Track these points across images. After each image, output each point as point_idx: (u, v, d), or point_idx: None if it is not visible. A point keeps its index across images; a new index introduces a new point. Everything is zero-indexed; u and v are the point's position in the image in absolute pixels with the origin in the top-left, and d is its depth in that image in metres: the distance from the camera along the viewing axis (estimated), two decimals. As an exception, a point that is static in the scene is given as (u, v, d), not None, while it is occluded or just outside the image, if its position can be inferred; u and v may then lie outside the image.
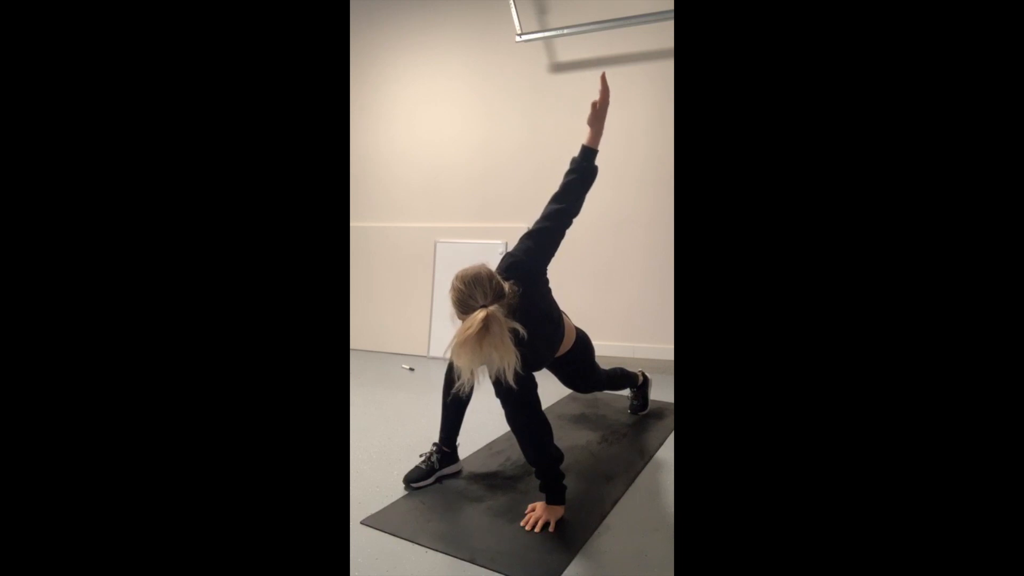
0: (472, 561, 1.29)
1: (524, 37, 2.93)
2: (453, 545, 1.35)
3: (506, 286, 1.35)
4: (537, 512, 1.44)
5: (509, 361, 1.27)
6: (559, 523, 1.42)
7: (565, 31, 2.85)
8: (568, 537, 1.38)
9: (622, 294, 2.90)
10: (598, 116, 1.57)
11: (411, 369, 2.97)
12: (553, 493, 1.44)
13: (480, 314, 1.25)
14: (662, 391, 2.43)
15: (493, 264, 1.47)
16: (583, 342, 1.79)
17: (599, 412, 2.27)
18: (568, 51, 2.95)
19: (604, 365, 1.98)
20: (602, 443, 1.96)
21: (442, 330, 3.15)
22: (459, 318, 1.33)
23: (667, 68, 2.74)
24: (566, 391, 2.40)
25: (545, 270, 1.55)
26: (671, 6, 2.58)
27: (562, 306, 1.68)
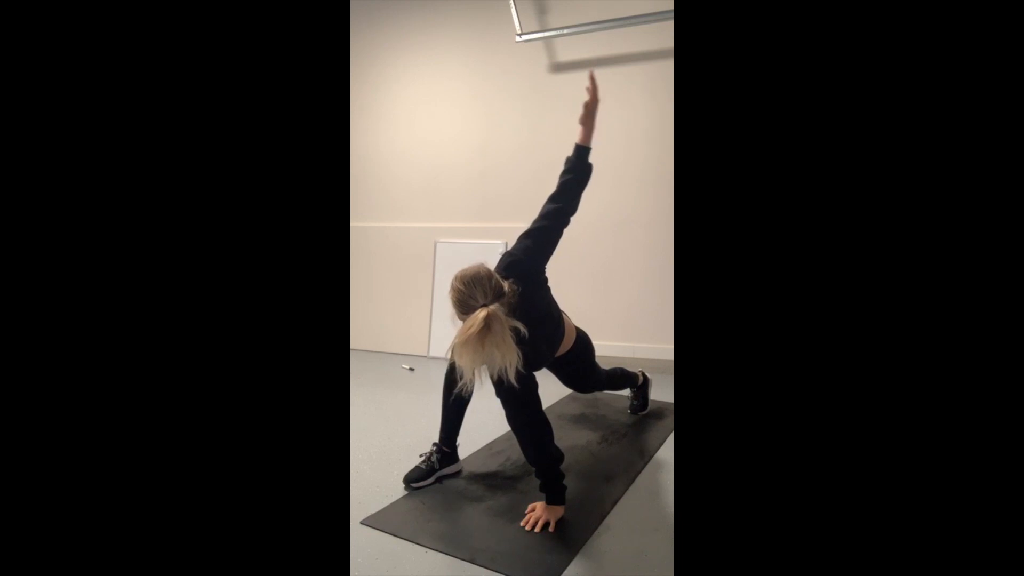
0: (472, 561, 1.29)
1: (524, 37, 2.93)
2: (453, 545, 1.35)
3: (505, 285, 1.35)
4: (537, 512, 1.44)
5: (511, 360, 1.27)
6: (559, 523, 1.42)
7: (565, 31, 2.85)
8: (568, 537, 1.38)
9: (622, 294, 2.90)
10: (589, 114, 1.58)
11: (411, 369, 2.97)
12: (553, 493, 1.44)
13: (481, 313, 1.25)
14: (662, 391, 2.43)
15: (492, 264, 1.47)
16: (583, 342, 1.79)
17: (599, 412, 2.27)
18: (568, 51, 2.95)
19: (604, 365, 1.98)
20: (602, 443, 1.96)
21: (442, 330, 3.15)
22: (460, 319, 1.33)
23: (667, 68, 2.74)
24: (566, 391, 2.40)
25: (544, 269, 1.55)
26: (671, 6, 2.58)
27: (562, 306, 1.68)
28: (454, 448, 1.71)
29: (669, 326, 2.74)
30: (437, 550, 1.33)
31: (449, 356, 1.30)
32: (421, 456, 1.70)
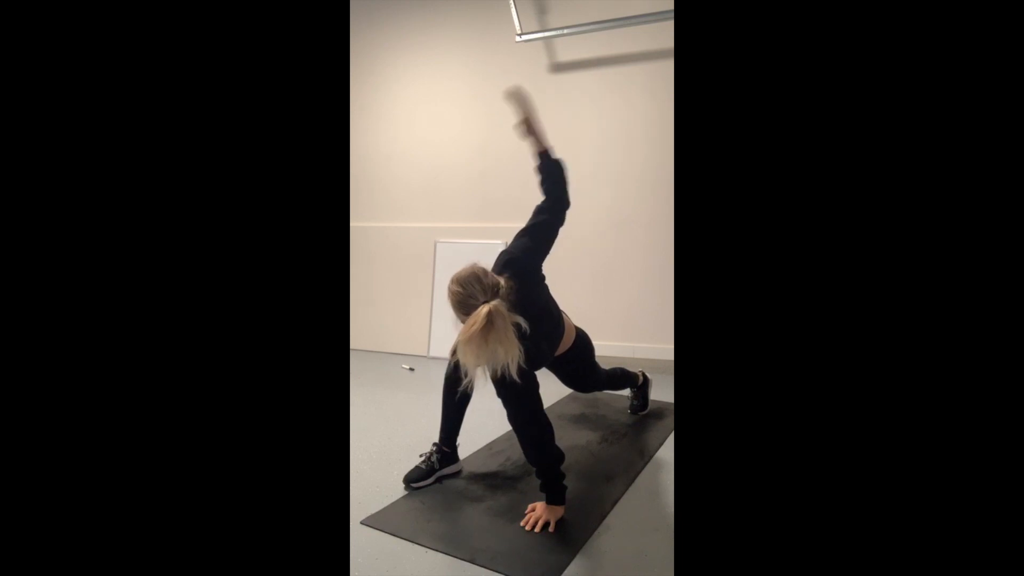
0: (472, 561, 1.29)
1: (524, 37, 2.92)
2: (453, 545, 1.35)
3: (501, 280, 1.35)
4: (537, 512, 1.44)
5: (513, 355, 1.27)
6: (559, 523, 1.42)
7: (565, 31, 2.85)
8: (568, 537, 1.38)
9: (622, 294, 2.90)
10: (529, 128, 1.58)
11: (411, 369, 2.97)
12: (553, 493, 1.44)
13: (484, 309, 1.25)
14: (662, 391, 2.43)
15: (489, 264, 1.47)
16: (583, 341, 1.79)
17: (599, 412, 2.27)
18: (568, 51, 2.95)
19: (604, 365, 1.98)
20: (602, 443, 1.96)
21: (442, 330, 3.15)
22: (461, 320, 1.33)
23: (667, 68, 2.74)
24: (566, 391, 2.40)
25: (541, 266, 1.55)
26: (671, 6, 2.58)
27: (562, 306, 1.69)
28: (454, 448, 1.71)
29: (669, 326, 2.74)
30: (437, 550, 1.33)
31: (451, 356, 1.30)
32: (421, 456, 1.70)
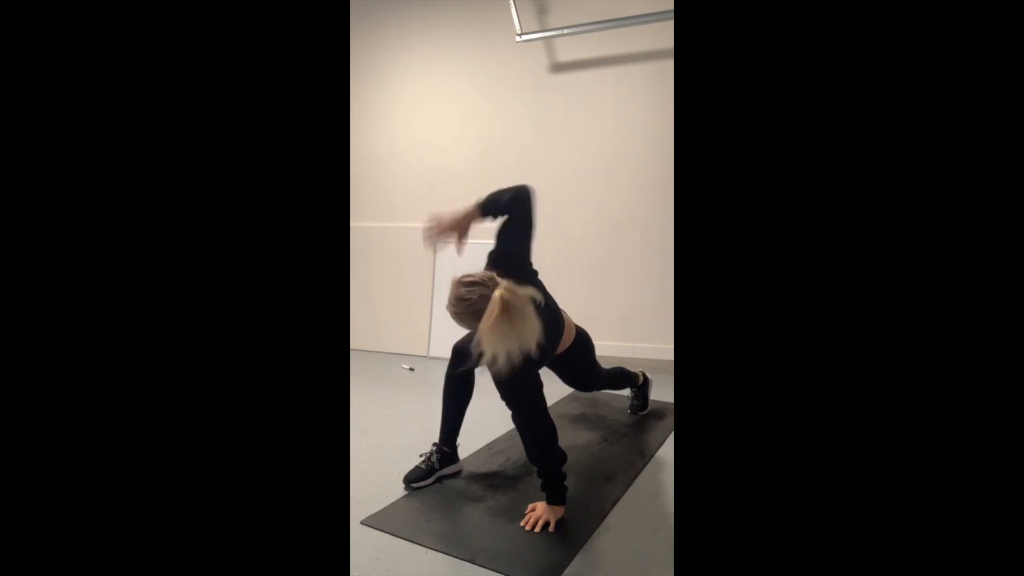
0: (472, 561, 1.29)
1: (524, 37, 2.92)
2: (453, 545, 1.35)
3: (489, 273, 1.35)
4: (537, 512, 1.44)
5: (534, 330, 1.27)
6: (559, 523, 1.42)
7: (565, 31, 2.85)
8: (568, 537, 1.38)
9: (622, 294, 2.90)
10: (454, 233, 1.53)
11: (411, 369, 2.97)
12: (554, 493, 1.44)
13: (496, 294, 1.25)
14: (662, 391, 2.43)
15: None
16: (583, 339, 1.79)
17: (599, 412, 2.27)
18: (568, 51, 2.95)
19: (604, 365, 1.98)
20: (602, 443, 1.96)
21: (442, 330, 3.15)
22: (476, 325, 1.32)
23: (667, 68, 2.74)
24: (566, 391, 2.40)
25: (530, 258, 1.55)
26: (671, 6, 2.58)
27: (561, 305, 1.68)
28: (454, 448, 1.71)
29: (669, 326, 2.74)
30: (437, 550, 1.33)
31: (478, 349, 1.29)
32: (421, 456, 1.70)
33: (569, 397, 2.44)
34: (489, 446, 1.94)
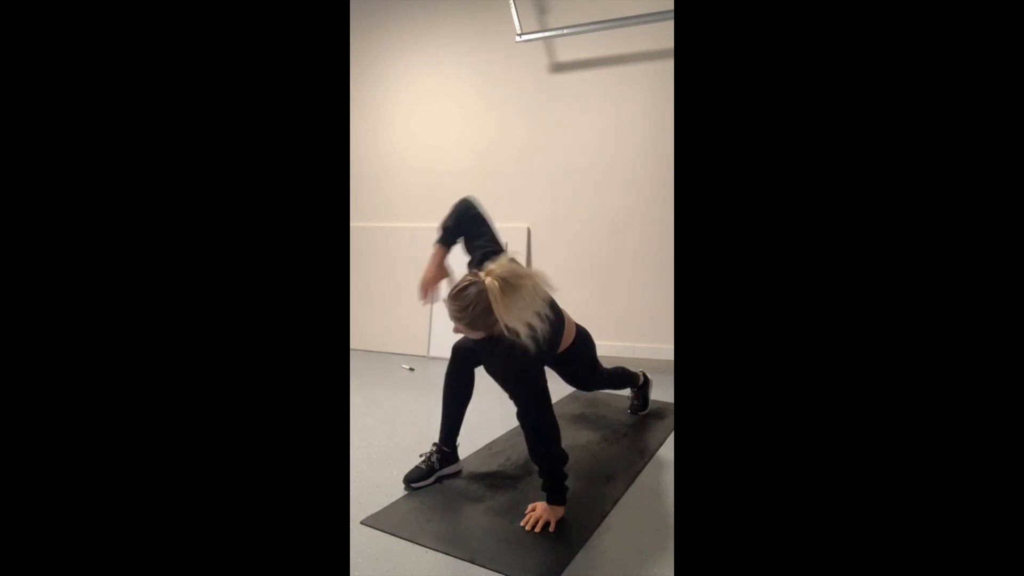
0: (472, 561, 1.29)
1: (524, 37, 2.92)
2: (453, 545, 1.35)
3: (469, 275, 1.35)
4: (537, 512, 1.44)
5: (536, 284, 1.31)
6: (559, 523, 1.42)
7: (565, 31, 2.85)
8: (568, 537, 1.38)
9: (622, 294, 2.90)
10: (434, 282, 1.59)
11: (411, 369, 2.97)
12: (555, 493, 1.44)
13: (487, 281, 1.28)
14: (662, 391, 2.43)
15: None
16: (584, 337, 1.79)
17: (599, 412, 2.27)
18: (568, 51, 2.95)
19: (605, 365, 1.98)
20: (602, 443, 1.96)
21: (442, 330, 3.15)
22: (489, 323, 1.32)
23: (667, 68, 2.74)
24: (566, 391, 2.40)
25: (498, 242, 1.57)
26: (671, 6, 2.58)
27: (561, 305, 1.68)
28: (454, 448, 1.71)
29: (669, 326, 2.74)
30: (437, 550, 1.33)
31: (505, 328, 1.31)
32: (421, 456, 1.70)
33: (569, 397, 2.44)
34: (489, 446, 1.94)
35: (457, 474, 1.72)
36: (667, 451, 1.89)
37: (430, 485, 1.66)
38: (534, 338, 1.31)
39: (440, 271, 1.59)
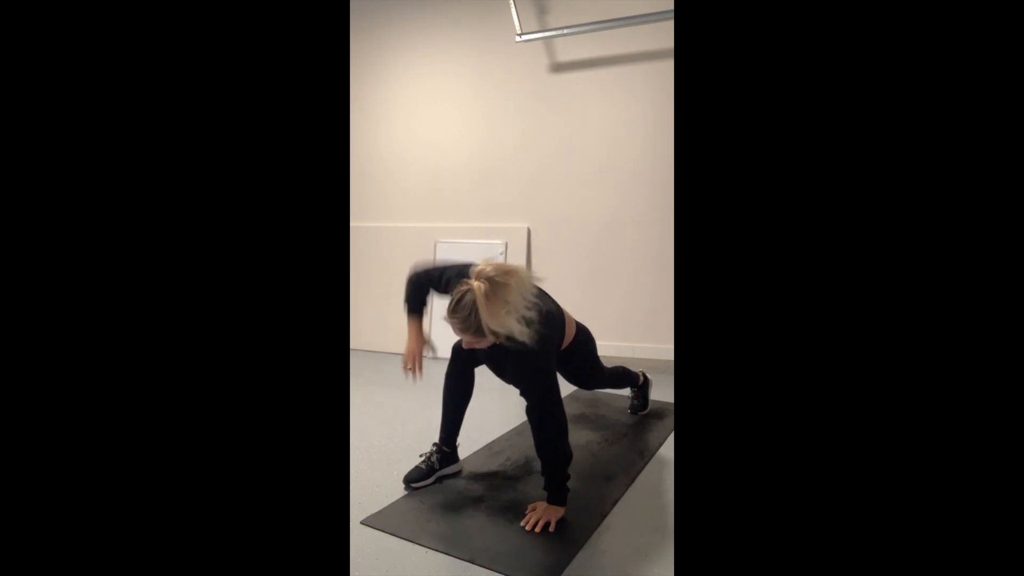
0: (472, 561, 1.29)
1: (524, 37, 2.92)
2: (453, 545, 1.35)
3: (461, 288, 1.35)
4: (538, 512, 1.44)
5: (521, 278, 1.31)
6: (559, 523, 1.42)
7: (565, 31, 2.85)
8: (568, 537, 1.38)
9: (621, 294, 2.90)
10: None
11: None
12: (557, 492, 1.44)
13: (475, 286, 1.28)
14: (662, 391, 2.43)
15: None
16: (585, 335, 1.79)
17: (599, 412, 2.27)
18: (568, 51, 2.95)
19: (605, 364, 1.98)
20: (602, 443, 1.96)
21: (442, 331, 3.14)
22: (491, 326, 1.32)
23: (667, 68, 2.74)
24: (567, 390, 2.40)
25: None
26: (671, 6, 2.58)
27: (561, 305, 1.68)
28: (454, 448, 1.71)
29: (669, 326, 2.74)
30: (437, 550, 1.33)
31: (493, 334, 1.31)
32: (421, 456, 1.70)
33: (569, 397, 2.44)
34: (489, 446, 1.94)
35: (457, 474, 1.72)
36: (667, 451, 1.89)
37: (430, 485, 1.66)
38: (533, 330, 1.32)
39: (421, 340, 1.64)
